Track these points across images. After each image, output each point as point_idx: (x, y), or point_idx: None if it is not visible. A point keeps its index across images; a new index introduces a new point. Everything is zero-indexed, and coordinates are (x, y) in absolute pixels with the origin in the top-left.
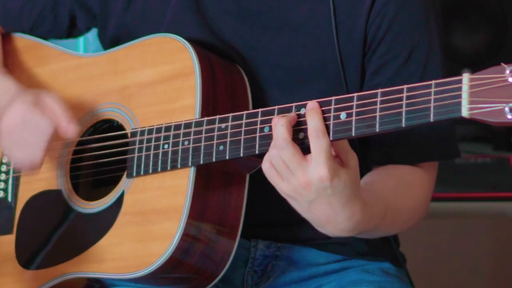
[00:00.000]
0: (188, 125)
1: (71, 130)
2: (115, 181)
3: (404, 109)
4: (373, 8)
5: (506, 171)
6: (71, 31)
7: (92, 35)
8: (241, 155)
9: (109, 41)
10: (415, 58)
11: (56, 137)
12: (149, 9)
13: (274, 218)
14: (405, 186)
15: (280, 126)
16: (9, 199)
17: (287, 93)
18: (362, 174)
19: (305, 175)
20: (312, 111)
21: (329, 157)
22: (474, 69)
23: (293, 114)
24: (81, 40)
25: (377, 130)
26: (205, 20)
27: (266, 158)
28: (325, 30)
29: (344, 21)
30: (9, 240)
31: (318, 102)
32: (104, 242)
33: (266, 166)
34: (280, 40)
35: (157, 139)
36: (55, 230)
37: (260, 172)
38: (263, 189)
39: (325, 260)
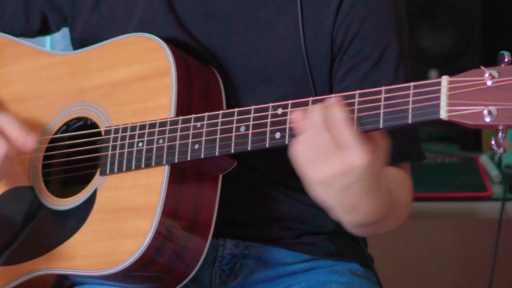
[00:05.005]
0: (163, 124)
1: (30, 142)
2: (88, 179)
3: (382, 110)
4: (340, 10)
5: (474, 171)
6: (43, 31)
7: (59, 34)
8: (216, 154)
9: (77, 42)
10: (387, 59)
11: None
12: (117, 10)
13: (243, 217)
14: (397, 182)
15: (340, 108)
16: None
17: (256, 93)
18: None
19: (349, 160)
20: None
21: (366, 140)
22: (441, 69)
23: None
24: (48, 39)
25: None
26: (177, 20)
27: (303, 140)
28: (292, 31)
29: (311, 22)
30: None
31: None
32: (75, 239)
33: (303, 147)
34: (247, 41)
35: (132, 137)
36: (27, 227)
37: (231, 171)
38: (232, 188)
39: (293, 260)
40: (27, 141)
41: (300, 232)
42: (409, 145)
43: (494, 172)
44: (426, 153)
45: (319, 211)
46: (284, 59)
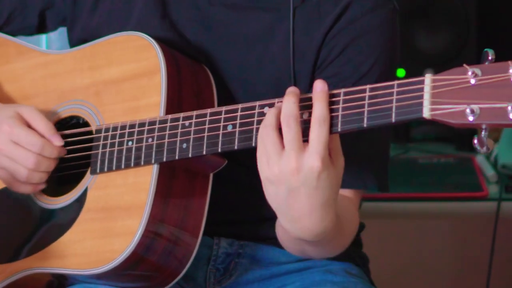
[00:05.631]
0: (152, 123)
1: (55, 141)
2: (79, 178)
3: (366, 109)
4: (329, 32)
5: (470, 171)
6: (40, 30)
7: (55, 33)
8: (204, 153)
9: (75, 43)
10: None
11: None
12: (115, 12)
13: (237, 216)
14: (347, 211)
15: (292, 103)
16: None
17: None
18: None
19: (297, 161)
20: (321, 94)
21: (326, 148)
22: (437, 70)
23: (298, 92)
24: (43, 38)
25: (339, 129)
26: (171, 24)
27: (259, 137)
28: (282, 48)
29: (301, 41)
30: None
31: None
32: (66, 238)
33: (260, 144)
34: (236, 53)
35: (122, 135)
36: (19, 225)
37: (223, 170)
38: (226, 187)
39: (287, 259)
40: (53, 138)
41: None
42: (371, 172)
43: (490, 172)
44: (422, 153)
45: None
46: (271, 75)
